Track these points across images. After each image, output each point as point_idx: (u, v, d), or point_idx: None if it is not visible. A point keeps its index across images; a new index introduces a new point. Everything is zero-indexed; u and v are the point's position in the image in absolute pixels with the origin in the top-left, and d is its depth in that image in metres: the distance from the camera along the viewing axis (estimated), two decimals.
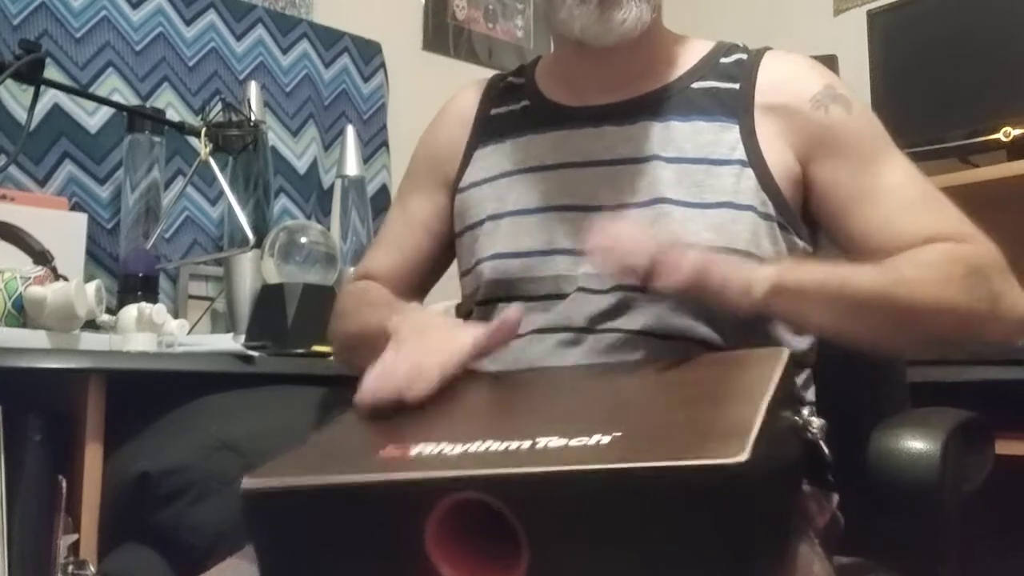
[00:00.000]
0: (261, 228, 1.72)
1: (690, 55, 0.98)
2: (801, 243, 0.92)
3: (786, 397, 0.66)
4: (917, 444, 0.78)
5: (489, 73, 1.13)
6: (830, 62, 2.03)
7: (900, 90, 1.92)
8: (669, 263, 0.73)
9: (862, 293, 0.78)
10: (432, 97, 1.12)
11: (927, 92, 1.88)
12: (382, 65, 2.11)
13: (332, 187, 1.98)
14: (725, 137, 0.90)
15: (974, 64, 1.82)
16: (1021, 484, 1.32)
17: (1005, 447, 1.11)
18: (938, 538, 0.78)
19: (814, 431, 0.71)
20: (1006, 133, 1.74)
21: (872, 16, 2.01)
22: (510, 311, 0.83)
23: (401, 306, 0.92)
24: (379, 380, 0.75)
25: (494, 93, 1.06)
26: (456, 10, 2.30)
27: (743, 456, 0.49)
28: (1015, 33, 1.77)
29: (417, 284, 1.07)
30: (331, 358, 1.41)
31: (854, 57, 2.04)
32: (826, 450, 0.72)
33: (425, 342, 0.80)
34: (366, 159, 2.04)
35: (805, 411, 0.72)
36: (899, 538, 0.80)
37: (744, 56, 0.96)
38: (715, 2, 2.50)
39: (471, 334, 0.80)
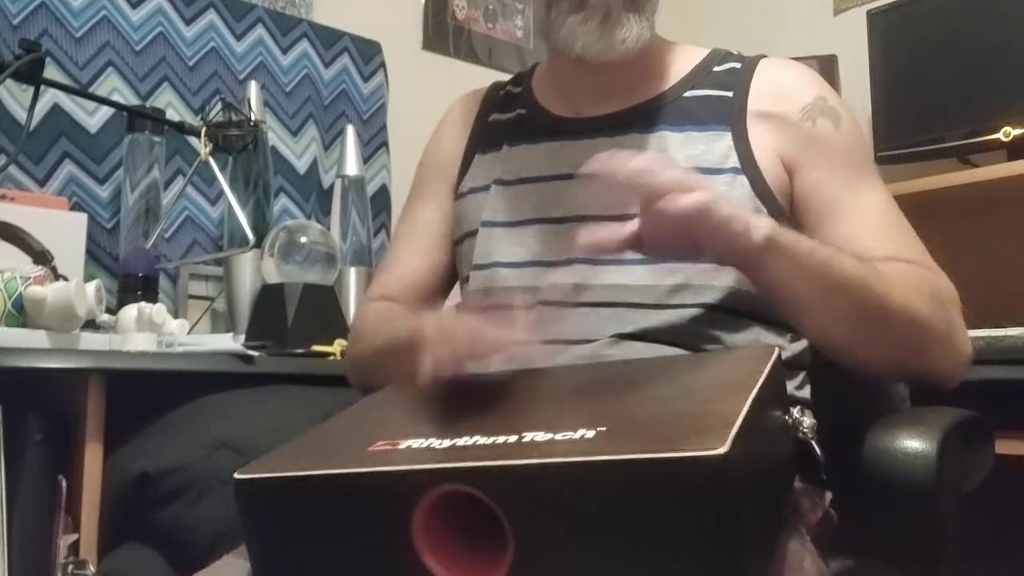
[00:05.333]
0: (261, 228, 1.72)
1: (683, 63, 0.98)
2: None
3: (775, 396, 0.67)
4: (913, 443, 0.77)
5: (489, 73, 1.13)
6: (830, 62, 2.03)
7: (900, 90, 1.92)
8: (682, 184, 0.70)
9: (845, 274, 0.76)
10: (432, 97, 1.12)
11: (927, 92, 1.88)
12: (382, 65, 2.11)
13: (332, 187, 1.98)
14: (717, 145, 0.90)
15: (974, 64, 1.82)
16: (1021, 484, 1.32)
17: (1005, 447, 1.12)
18: (936, 538, 0.78)
19: (805, 430, 0.71)
20: (1006, 133, 1.74)
21: (872, 16, 2.01)
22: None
23: (428, 315, 0.86)
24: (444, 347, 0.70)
25: (493, 100, 1.07)
26: (456, 10, 2.30)
27: (723, 449, 0.49)
28: (1015, 33, 1.77)
29: (437, 293, 1.06)
30: (331, 358, 1.42)
31: (854, 57, 2.04)
32: (818, 450, 0.72)
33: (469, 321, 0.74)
34: (366, 159, 2.04)
35: (795, 410, 0.72)
36: (897, 538, 0.80)
37: (738, 64, 0.96)
38: (715, 2, 2.50)
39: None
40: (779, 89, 0.93)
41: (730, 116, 0.92)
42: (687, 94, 0.95)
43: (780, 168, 0.91)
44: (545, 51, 1.03)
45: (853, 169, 0.90)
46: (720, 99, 0.93)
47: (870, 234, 0.86)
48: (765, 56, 0.97)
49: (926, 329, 0.79)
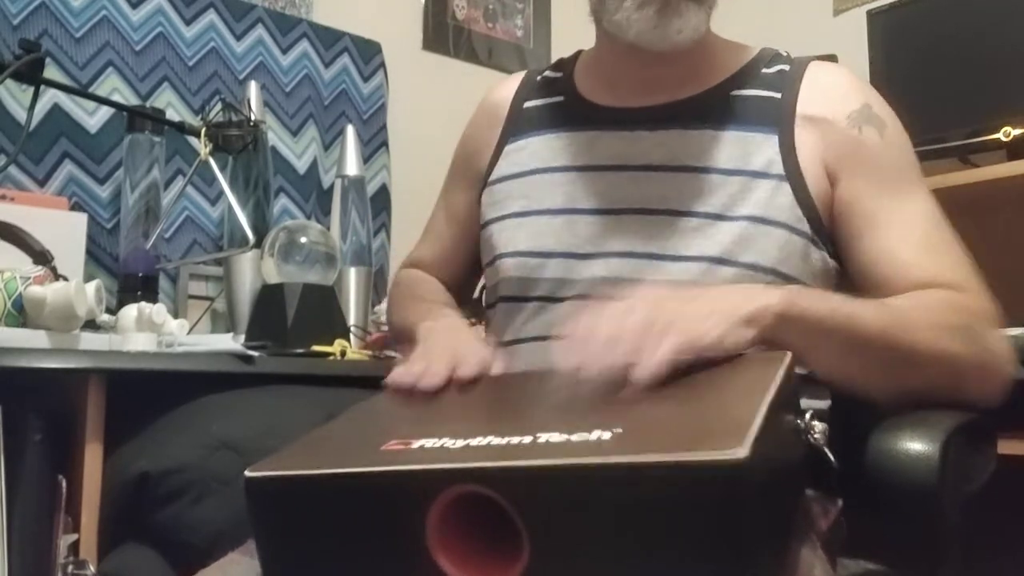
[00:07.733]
0: (261, 228, 1.72)
1: (732, 61, 0.96)
2: (832, 262, 0.90)
3: (788, 400, 0.66)
4: (916, 445, 0.77)
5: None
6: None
7: (900, 90, 1.90)
8: (646, 350, 0.65)
9: (866, 330, 0.75)
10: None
11: (927, 92, 1.88)
12: (382, 65, 2.11)
13: (332, 187, 1.98)
14: (763, 149, 0.88)
15: (974, 64, 1.82)
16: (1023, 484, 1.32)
17: (1007, 447, 1.11)
18: (938, 539, 0.78)
19: (816, 435, 0.70)
20: (1006, 133, 1.74)
21: (872, 16, 2.01)
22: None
23: (437, 310, 0.98)
24: (414, 364, 0.79)
25: (529, 86, 1.06)
26: (456, 10, 2.30)
27: (742, 452, 0.48)
28: (1015, 33, 1.77)
29: (458, 274, 1.11)
30: (331, 358, 1.42)
31: (854, 57, 2.03)
32: (830, 454, 0.72)
33: (457, 337, 0.86)
34: (366, 159, 2.04)
35: (807, 415, 0.71)
36: (900, 540, 0.80)
37: (787, 67, 0.94)
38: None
39: (494, 355, 0.82)
40: (827, 93, 0.91)
41: (778, 119, 0.89)
42: (734, 93, 0.92)
43: (823, 175, 0.88)
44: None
45: (897, 180, 0.88)
46: (768, 100, 0.91)
47: (910, 248, 0.85)
48: (815, 59, 0.95)
49: (956, 367, 0.79)
